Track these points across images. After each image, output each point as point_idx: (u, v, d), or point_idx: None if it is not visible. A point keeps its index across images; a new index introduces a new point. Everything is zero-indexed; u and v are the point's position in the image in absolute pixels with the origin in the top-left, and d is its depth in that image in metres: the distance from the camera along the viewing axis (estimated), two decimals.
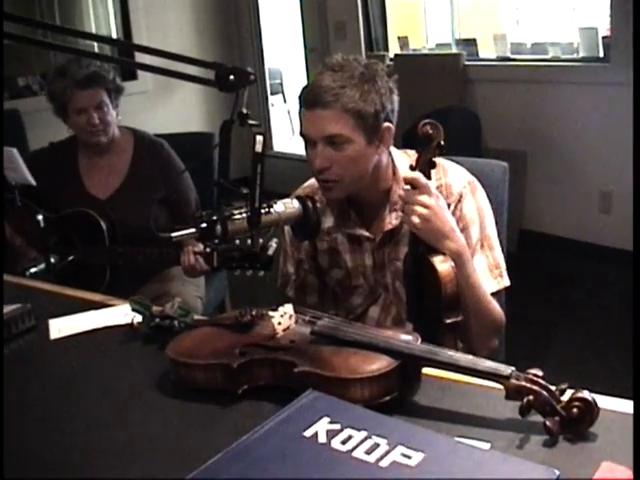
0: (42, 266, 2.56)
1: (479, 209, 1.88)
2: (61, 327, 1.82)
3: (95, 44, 4.96)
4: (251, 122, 1.47)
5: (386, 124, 1.79)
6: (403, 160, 1.91)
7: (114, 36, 6.01)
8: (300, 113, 1.80)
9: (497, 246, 1.90)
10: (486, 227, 1.89)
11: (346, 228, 1.94)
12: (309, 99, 1.75)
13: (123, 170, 2.78)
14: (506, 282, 1.90)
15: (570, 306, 4.14)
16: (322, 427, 1.10)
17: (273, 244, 1.59)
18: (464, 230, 1.82)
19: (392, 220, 1.89)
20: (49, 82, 2.72)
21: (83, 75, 2.60)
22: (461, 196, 1.85)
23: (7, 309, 1.81)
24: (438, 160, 1.78)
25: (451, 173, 1.89)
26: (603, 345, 3.60)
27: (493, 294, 1.85)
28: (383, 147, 1.83)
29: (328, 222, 1.95)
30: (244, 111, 1.46)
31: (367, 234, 1.92)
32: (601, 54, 4.66)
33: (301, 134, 1.81)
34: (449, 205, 1.81)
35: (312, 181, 1.99)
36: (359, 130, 1.74)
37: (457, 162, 1.97)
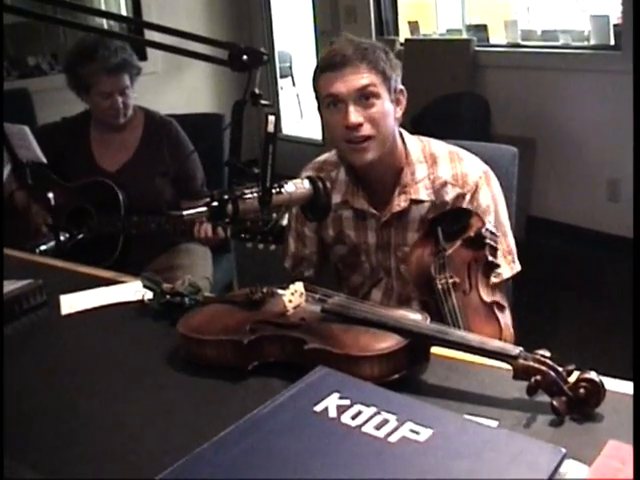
0: (52, 243, 2.58)
1: (494, 198, 1.92)
2: (72, 303, 1.83)
3: (105, 21, 4.95)
4: (263, 102, 1.48)
5: (401, 87, 1.87)
6: (415, 145, 1.94)
7: (123, 14, 5.96)
8: (320, 81, 1.85)
9: (510, 233, 1.95)
10: (500, 215, 1.93)
11: (353, 204, 1.97)
12: (336, 62, 1.80)
13: (133, 146, 2.82)
14: (518, 267, 1.95)
15: (577, 293, 4.14)
16: (332, 402, 1.12)
17: (285, 216, 1.60)
18: None
19: (401, 202, 1.92)
20: (75, 63, 2.70)
21: (114, 63, 2.64)
22: (477, 186, 1.89)
23: (18, 285, 1.83)
24: (453, 148, 1.91)
25: (466, 162, 1.92)
26: (609, 331, 3.60)
27: (507, 280, 1.91)
28: (399, 111, 1.89)
29: (336, 198, 1.97)
30: (256, 91, 1.47)
31: (373, 211, 1.95)
32: (612, 42, 4.64)
33: (323, 98, 1.85)
34: (464, 195, 1.87)
35: (319, 159, 2.05)
36: (384, 87, 1.82)
37: (466, 147, 1.99)
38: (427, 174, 1.91)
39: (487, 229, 1.75)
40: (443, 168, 1.92)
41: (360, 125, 1.81)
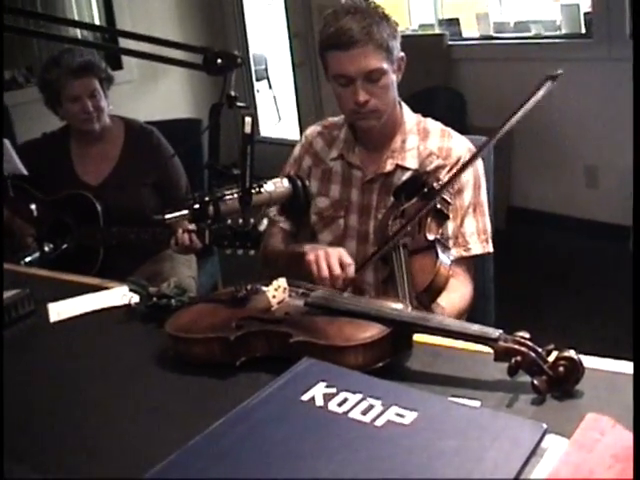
0: (36, 255, 2.60)
1: (475, 176, 2.00)
2: (60, 310, 1.85)
3: (78, 32, 4.93)
4: (239, 104, 1.51)
5: (402, 54, 1.97)
6: (412, 118, 2.07)
7: (97, 23, 5.91)
8: (327, 56, 1.93)
9: (487, 214, 2.02)
10: (480, 194, 2.01)
11: (347, 157, 2.07)
12: (343, 41, 1.87)
13: (114, 157, 2.82)
14: (490, 248, 2.02)
15: (558, 280, 4.18)
16: (319, 391, 1.14)
17: (264, 222, 1.63)
18: (458, 192, 1.95)
19: (387, 165, 2.03)
20: (43, 71, 2.74)
21: (78, 64, 2.65)
22: (459, 160, 1.96)
23: (6, 294, 1.84)
24: (446, 128, 2.05)
25: (455, 139, 2.03)
26: (591, 318, 3.64)
27: (477, 256, 2.00)
28: (399, 75, 1.99)
29: (333, 153, 2.10)
30: (232, 93, 1.50)
31: (361, 166, 2.06)
32: (583, 30, 4.69)
33: (333, 76, 1.93)
34: (445, 166, 1.94)
35: (328, 119, 2.19)
36: (388, 62, 1.91)
37: None
38: (417, 145, 2.03)
39: (439, 183, 1.82)
40: (432, 141, 2.03)
41: (367, 102, 1.91)
